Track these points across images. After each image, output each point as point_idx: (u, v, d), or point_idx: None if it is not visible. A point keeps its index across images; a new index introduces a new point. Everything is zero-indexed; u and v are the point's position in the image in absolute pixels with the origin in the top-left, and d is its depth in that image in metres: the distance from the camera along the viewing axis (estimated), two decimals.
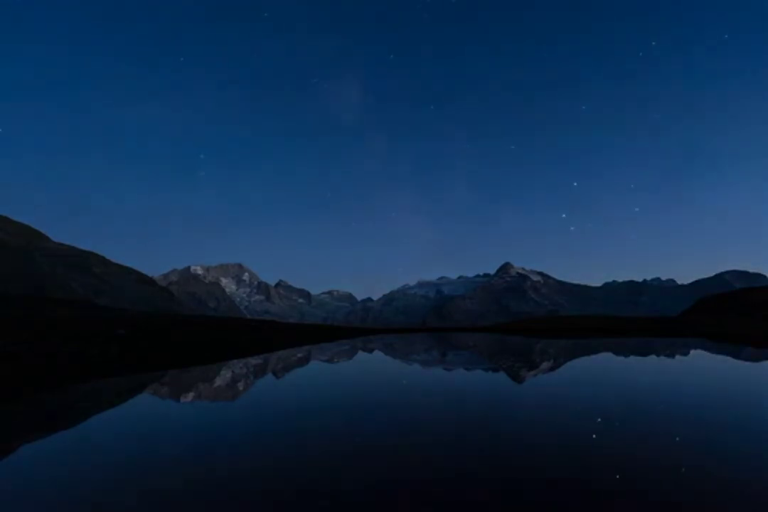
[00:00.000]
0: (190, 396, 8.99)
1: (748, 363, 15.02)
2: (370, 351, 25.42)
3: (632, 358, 17.61)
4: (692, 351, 20.68)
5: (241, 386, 10.45)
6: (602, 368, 13.60)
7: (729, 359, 16.84)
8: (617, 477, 3.71)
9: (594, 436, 4.97)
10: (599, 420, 5.83)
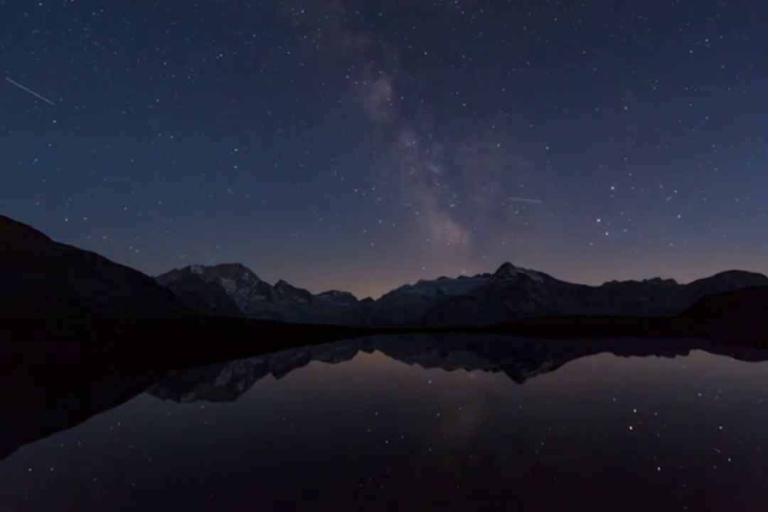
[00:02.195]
0: (191, 396, 8.99)
1: (747, 364, 15.01)
2: (371, 351, 25.41)
3: (632, 359, 17.61)
4: (692, 352, 20.68)
5: (241, 386, 10.46)
6: (602, 369, 13.59)
7: (729, 359, 16.83)
8: (618, 477, 3.72)
9: (594, 437, 4.98)
10: (599, 421, 5.83)
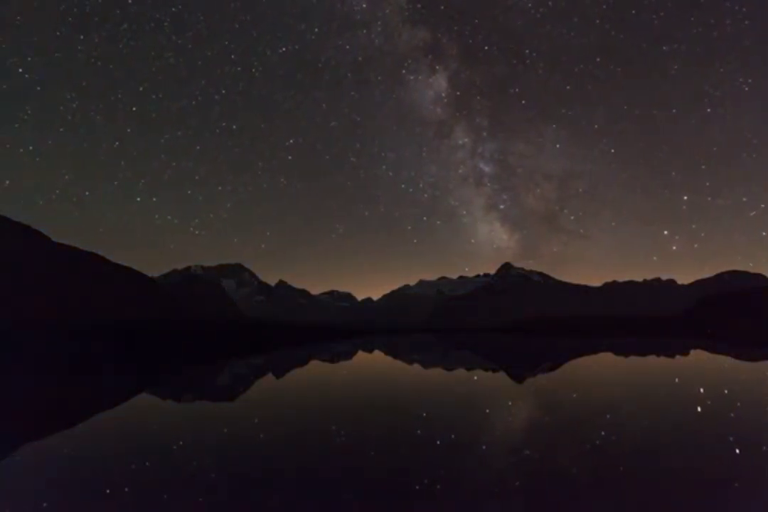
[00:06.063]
0: (190, 396, 8.98)
1: (748, 364, 15.00)
2: (371, 351, 25.43)
3: (632, 359, 17.60)
4: (692, 352, 20.68)
5: (241, 387, 10.45)
6: (602, 369, 13.59)
7: (729, 359, 16.83)
8: (617, 480, 3.70)
9: (593, 439, 4.96)
10: (598, 422, 5.81)
